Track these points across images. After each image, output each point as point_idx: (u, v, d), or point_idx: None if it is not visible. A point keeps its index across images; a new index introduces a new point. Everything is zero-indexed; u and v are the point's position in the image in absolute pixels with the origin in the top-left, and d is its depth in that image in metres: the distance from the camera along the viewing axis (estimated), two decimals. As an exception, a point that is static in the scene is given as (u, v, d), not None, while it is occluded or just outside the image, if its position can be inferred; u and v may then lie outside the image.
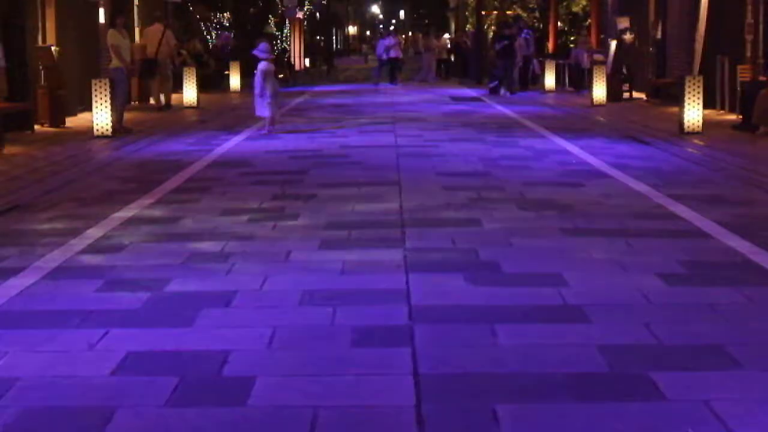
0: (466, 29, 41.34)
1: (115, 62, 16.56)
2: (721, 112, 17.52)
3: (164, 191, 10.04)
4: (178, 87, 22.01)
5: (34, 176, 11.21)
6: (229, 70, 27.51)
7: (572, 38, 32.45)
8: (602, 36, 27.67)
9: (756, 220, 8.13)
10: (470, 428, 3.90)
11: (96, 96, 14.84)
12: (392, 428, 3.91)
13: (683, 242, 7.31)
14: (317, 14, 55.70)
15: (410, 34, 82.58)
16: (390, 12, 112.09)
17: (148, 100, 22.03)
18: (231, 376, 4.51)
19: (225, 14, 35.08)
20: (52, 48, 17.37)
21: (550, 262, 6.65)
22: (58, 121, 16.68)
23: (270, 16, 40.20)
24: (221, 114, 20.29)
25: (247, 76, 24.47)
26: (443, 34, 45.17)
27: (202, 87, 22.43)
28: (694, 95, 14.35)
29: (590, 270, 6.45)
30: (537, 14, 37.19)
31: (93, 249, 7.28)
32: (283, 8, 41.24)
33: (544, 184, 10.22)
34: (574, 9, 34.52)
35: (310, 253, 7.05)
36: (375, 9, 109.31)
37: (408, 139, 14.87)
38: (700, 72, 17.61)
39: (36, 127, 16.17)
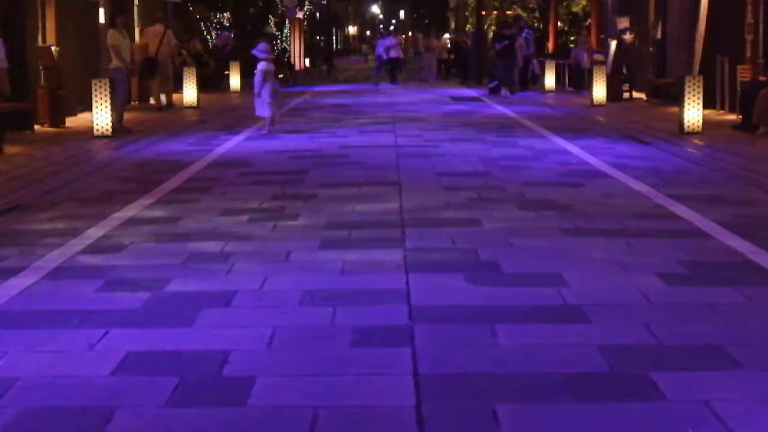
0: (466, 29, 41.36)
1: (115, 62, 16.55)
2: (721, 112, 17.51)
3: (164, 191, 10.04)
4: (178, 87, 22.03)
5: (34, 176, 11.21)
6: (229, 70, 27.52)
7: (572, 38, 32.46)
8: (602, 36, 27.67)
9: (756, 220, 8.13)
10: (470, 428, 3.89)
11: (96, 96, 14.84)
12: (392, 428, 3.91)
13: (683, 242, 7.31)
14: (317, 14, 55.70)
15: (410, 34, 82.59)
16: (390, 12, 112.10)
17: (148, 100, 22.04)
18: (231, 376, 4.50)
19: (225, 14, 35.09)
20: (52, 48, 17.37)
21: (550, 262, 6.65)
22: (58, 121, 16.68)
23: (270, 16, 40.21)
24: (221, 114, 20.29)
25: (247, 76, 24.46)
26: (443, 34, 45.21)
27: (202, 87, 22.44)
28: (694, 95, 14.35)
29: (590, 270, 6.44)
30: (537, 14, 37.20)
31: (93, 249, 7.28)
32: (283, 8, 41.25)
33: (544, 184, 10.22)
34: (574, 9, 34.53)
35: (310, 253, 7.05)
36: (375, 9, 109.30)
37: (408, 139, 14.87)
38: (700, 72, 17.61)
39: (36, 127, 16.17)
